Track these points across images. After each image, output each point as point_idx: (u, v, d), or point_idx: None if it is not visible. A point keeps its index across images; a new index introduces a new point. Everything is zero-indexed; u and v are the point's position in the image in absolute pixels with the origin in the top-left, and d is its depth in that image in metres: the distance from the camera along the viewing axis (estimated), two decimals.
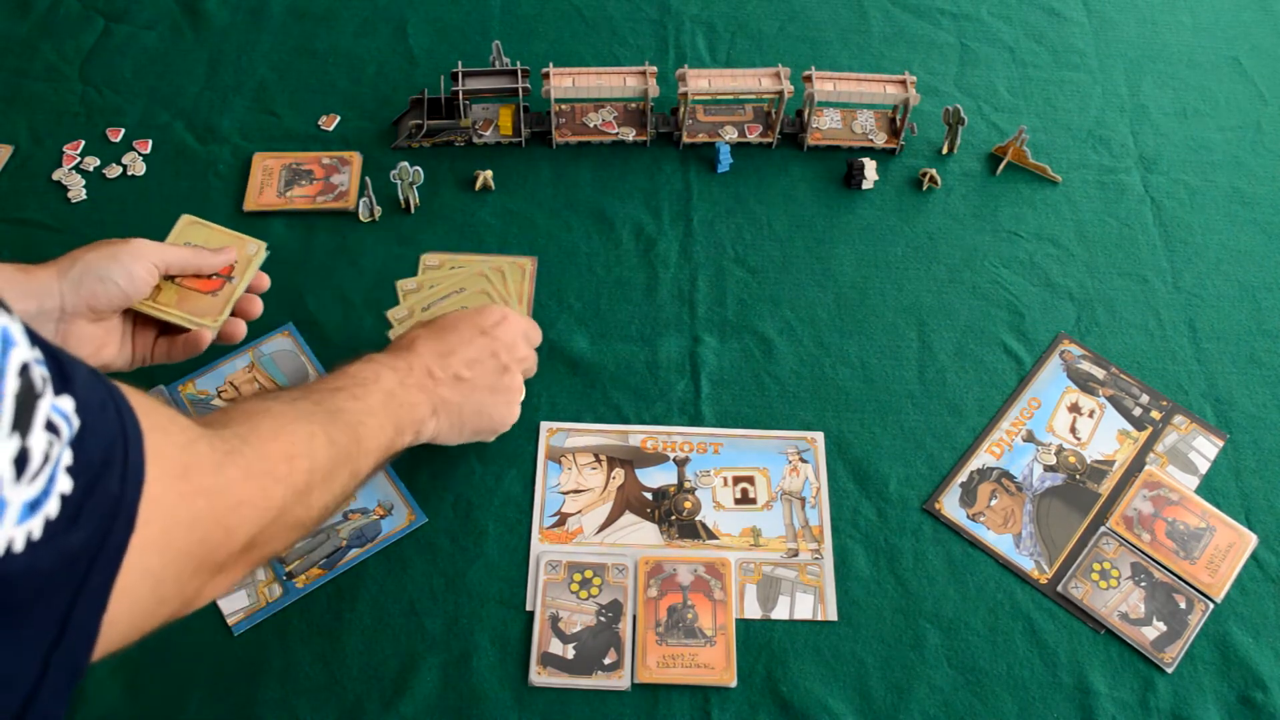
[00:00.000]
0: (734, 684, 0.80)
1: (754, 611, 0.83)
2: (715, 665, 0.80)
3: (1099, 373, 0.97)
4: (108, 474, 0.43)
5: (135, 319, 0.82)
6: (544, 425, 0.92)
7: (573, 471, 0.90)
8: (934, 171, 1.08)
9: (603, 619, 0.82)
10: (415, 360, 0.80)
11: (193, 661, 0.80)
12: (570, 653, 0.81)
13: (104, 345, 0.79)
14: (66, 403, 0.41)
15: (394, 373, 0.77)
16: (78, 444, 0.42)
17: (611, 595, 0.84)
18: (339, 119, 1.12)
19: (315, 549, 0.85)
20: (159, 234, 1.02)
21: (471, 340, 0.83)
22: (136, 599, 0.48)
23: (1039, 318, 1.00)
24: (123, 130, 1.10)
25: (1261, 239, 1.06)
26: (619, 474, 0.90)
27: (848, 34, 1.22)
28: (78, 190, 1.05)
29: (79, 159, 1.08)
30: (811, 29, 1.22)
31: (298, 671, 0.80)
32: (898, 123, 1.11)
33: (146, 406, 0.49)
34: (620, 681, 0.80)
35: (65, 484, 0.41)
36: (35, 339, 0.41)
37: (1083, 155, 1.12)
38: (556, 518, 0.88)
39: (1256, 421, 0.94)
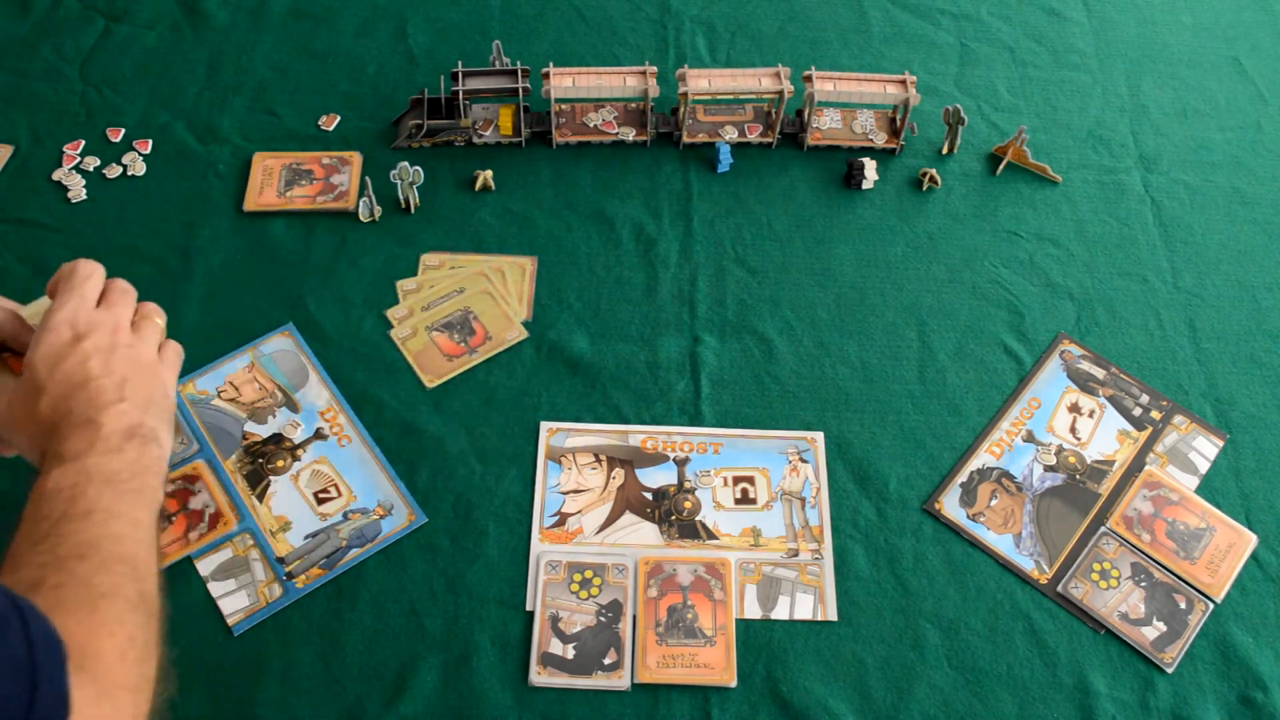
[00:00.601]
0: (734, 684, 0.80)
1: (754, 611, 0.83)
2: (715, 665, 0.80)
3: (1099, 373, 0.97)
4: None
5: None
6: (544, 425, 0.92)
7: (573, 471, 0.90)
8: (934, 171, 1.08)
9: (603, 619, 0.82)
10: (91, 418, 0.67)
11: (193, 661, 0.80)
12: (570, 653, 0.81)
13: None
14: None
15: (92, 451, 0.65)
16: None
17: (611, 595, 0.84)
18: (339, 119, 1.12)
19: (315, 549, 0.85)
20: (159, 233, 1.03)
21: (88, 361, 0.69)
22: None
23: (1039, 318, 1.00)
24: (123, 130, 1.10)
25: (1261, 239, 1.06)
26: (619, 474, 0.90)
27: (848, 34, 1.22)
28: (78, 190, 1.05)
29: (79, 159, 1.08)
30: (811, 29, 1.22)
31: (298, 671, 0.80)
32: (898, 123, 1.11)
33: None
34: (620, 681, 0.80)
35: None
36: None
37: (1083, 155, 1.12)
38: (556, 518, 0.88)
39: (1256, 421, 0.94)
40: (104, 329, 0.71)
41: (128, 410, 0.68)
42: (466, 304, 0.95)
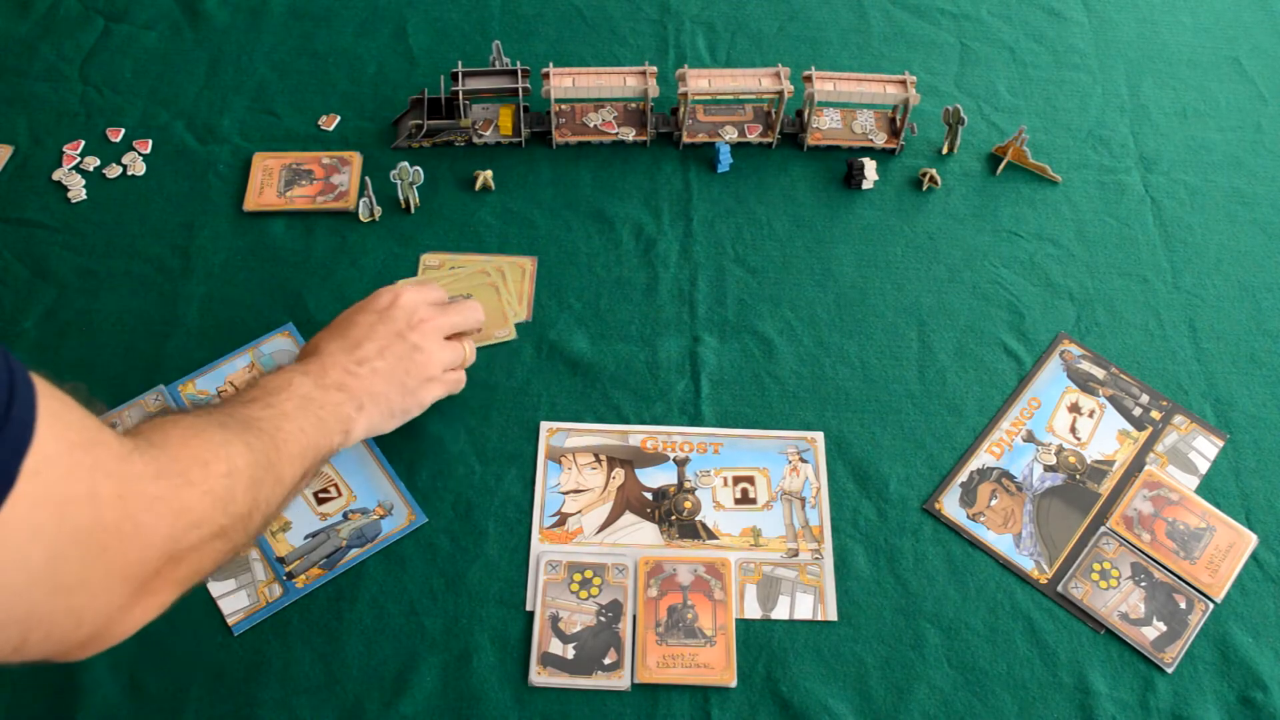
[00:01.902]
0: (734, 684, 0.80)
1: (754, 611, 0.83)
2: (715, 665, 0.80)
3: (1099, 373, 0.97)
4: None
5: None
6: (544, 425, 0.92)
7: (573, 471, 0.90)
8: (934, 171, 1.08)
9: (603, 619, 0.82)
10: (327, 361, 0.79)
11: (193, 661, 0.80)
12: (570, 653, 0.81)
13: None
14: None
15: (306, 377, 0.77)
16: None
17: (611, 595, 0.84)
18: (339, 119, 1.12)
19: (315, 549, 0.85)
20: (159, 233, 1.03)
21: (373, 328, 0.82)
22: (29, 567, 0.46)
23: (1039, 318, 1.00)
24: (123, 130, 1.10)
25: (1261, 239, 1.06)
26: (619, 474, 0.90)
27: (848, 34, 1.22)
28: (78, 190, 1.05)
29: (79, 159, 1.08)
30: (811, 29, 1.22)
31: (298, 671, 0.80)
32: (898, 123, 1.11)
33: (46, 383, 0.48)
34: (620, 681, 0.80)
35: None
36: None
37: (1083, 155, 1.12)
38: (556, 518, 0.88)
39: (1256, 421, 0.94)
40: (410, 318, 0.83)
41: (360, 374, 0.79)
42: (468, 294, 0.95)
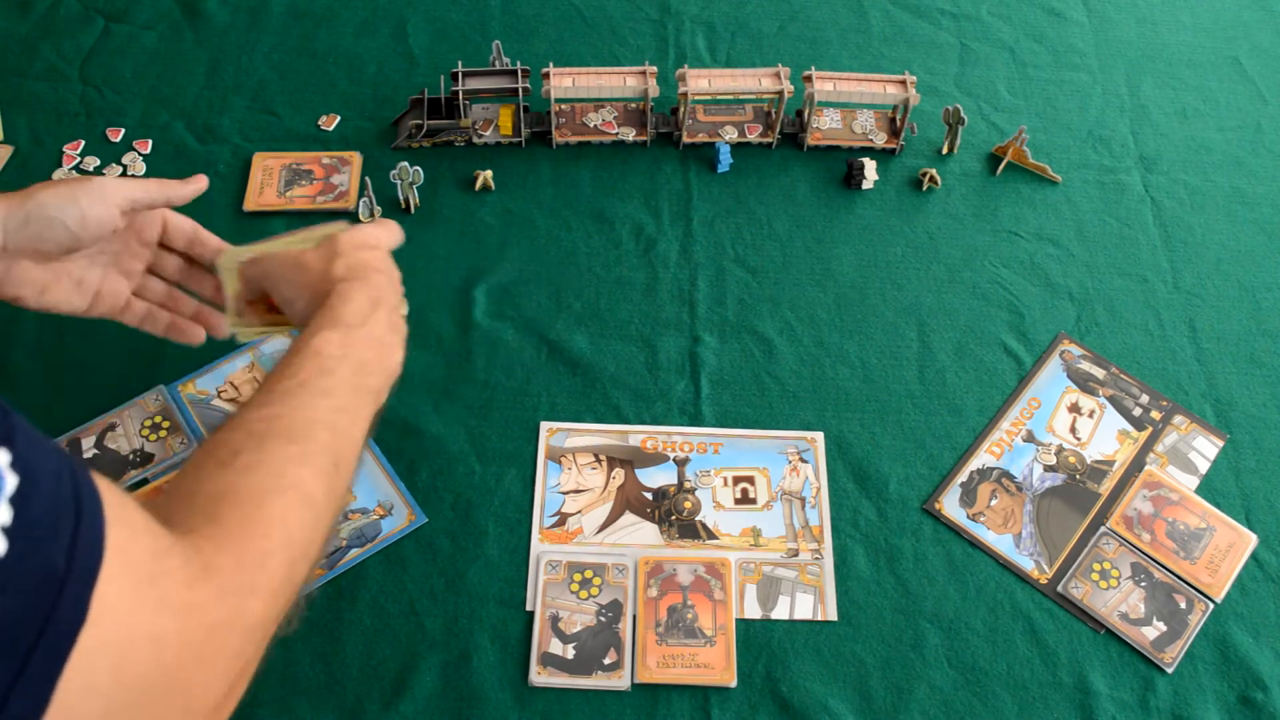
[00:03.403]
0: (734, 684, 0.80)
1: (754, 611, 0.83)
2: (715, 665, 0.80)
3: (1099, 373, 0.97)
4: (50, 546, 0.39)
5: (106, 265, 0.77)
6: (544, 425, 0.92)
7: (573, 471, 0.90)
8: (934, 171, 1.08)
9: (603, 619, 0.82)
10: (368, 291, 0.71)
11: None
12: (570, 653, 0.81)
13: (48, 288, 0.74)
14: (0, 456, 0.37)
15: (363, 327, 0.69)
16: (18, 503, 0.37)
17: (611, 595, 0.84)
18: (339, 119, 1.12)
19: None
20: None
21: (374, 262, 0.74)
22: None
23: (1039, 318, 1.00)
24: (123, 130, 1.10)
25: (1261, 239, 1.06)
26: (619, 474, 0.90)
27: (848, 34, 1.22)
28: None
29: (79, 159, 1.08)
30: (811, 29, 1.22)
31: (298, 671, 0.80)
32: (898, 123, 1.11)
33: (117, 500, 0.44)
34: (620, 681, 0.80)
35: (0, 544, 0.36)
36: None
37: (1083, 155, 1.12)
38: (556, 518, 0.88)
39: (1256, 421, 0.94)
40: (389, 261, 0.76)
41: (396, 307, 0.73)
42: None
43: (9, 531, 0.37)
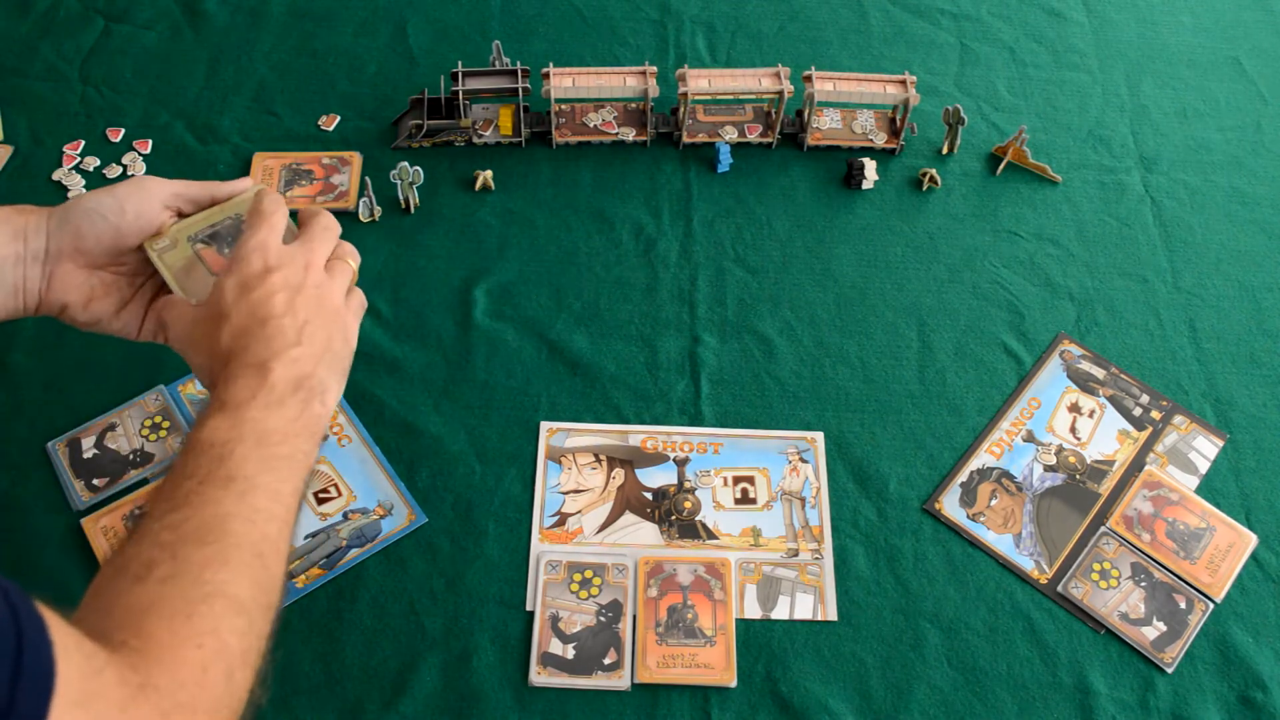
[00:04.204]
0: (734, 684, 0.80)
1: (754, 611, 0.83)
2: (715, 665, 0.80)
3: (1099, 373, 0.97)
4: None
5: (156, 288, 0.74)
6: (544, 425, 0.92)
7: (573, 471, 0.90)
8: (934, 171, 1.08)
9: (603, 619, 0.82)
10: (263, 361, 0.66)
11: None
12: (570, 653, 0.81)
13: (95, 298, 0.71)
14: None
15: (253, 402, 0.64)
16: None
17: (611, 595, 0.84)
18: (339, 119, 1.12)
19: (315, 549, 0.85)
20: None
21: (272, 298, 0.67)
22: None
23: (1039, 318, 1.00)
24: (123, 130, 1.10)
25: (1261, 239, 1.06)
26: (619, 474, 0.90)
27: (848, 34, 1.22)
28: (78, 190, 1.05)
29: (79, 159, 1.08)
30: (811, 29, 1.22)
31: (298, 671, 0.80)
32: (898, 123, 1.11)
33: (55, 621, 0.43)
34: (620, 681, 0.80)
35: None
36: None
37: (1083, 155, 1.12)
38: (556, 518, 0.88)
39: (1256, 421, 0.94)
40: (295, 264, 0.69)
41: (301, 357, 0.66)
42: (238, 210, 0.76)
43: None
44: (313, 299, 0.69)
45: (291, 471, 0.64)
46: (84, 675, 0.45)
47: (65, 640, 0.45)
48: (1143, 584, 0.85)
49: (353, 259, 0.75)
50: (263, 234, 0.70)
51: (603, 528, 0.87)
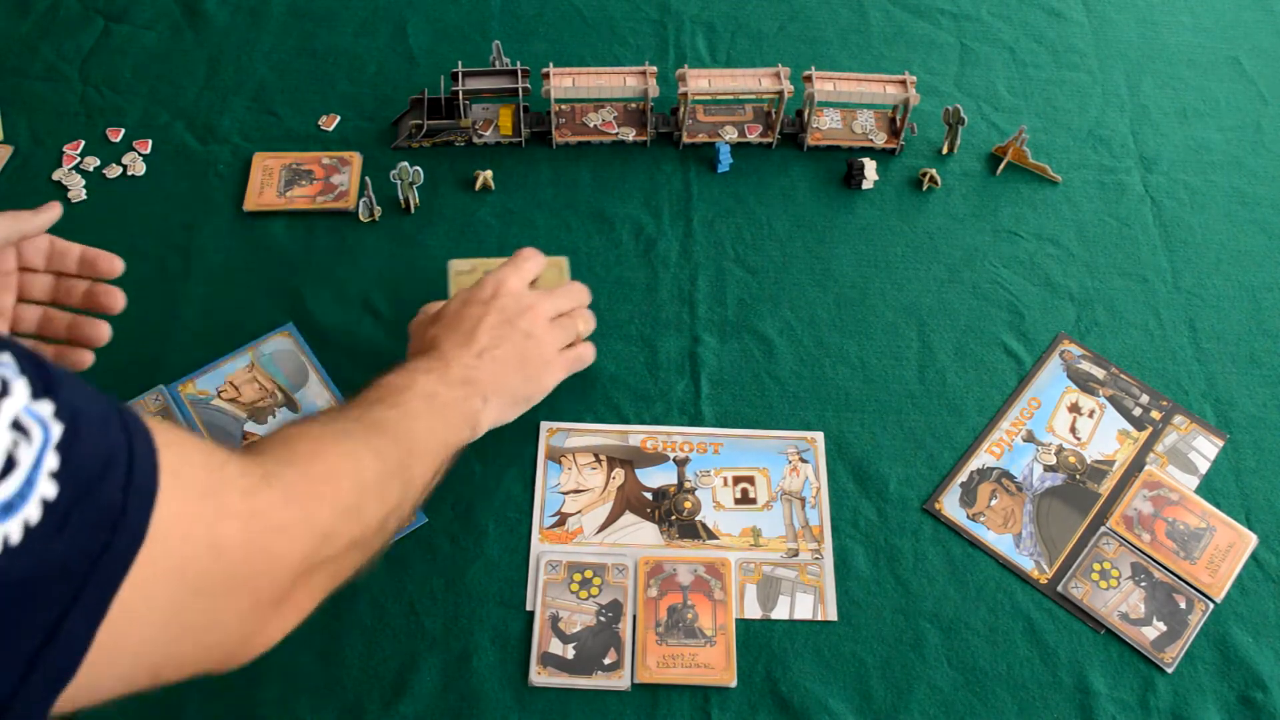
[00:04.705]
0: (734, 684, 0.80)
1: (754, 611, 0.83)
2: (715, 665, 0.80)
3: (1099, 373, 0.97)
4: (106, 484, 0.42)
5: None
6: (544, 425, 0.92)
7: (573, 471, 0.90)
8: (934, 171, 1.08)
9: (603, 619, 0.82)
10: (448, 356, 0.80)
11: None
12: (570, 653, 0.81)
13: None
14: (43, 406, 0.40)
15: (429, 374, 0.77)
16: (65, 449, 0.40)
17: (611, 595, 0.84)
18: (339, 119, 1.12)
19: None
20: (159, 233, 1.03)
21: (483, 319, 0.83)
22: (148, 625, 0.46)
23: (1039, 318, 1.00)
24: (123, 130, 1.10)
25: (1261, 239, 1.06)
26: (619, 474, 0.90)
27: (848, 34, 1.22)
28: (78, 190, 1.05)
29: (79, 159, 1.08)
30: (811, 29, 1.22)
31: (298, 671, 0.80)
32: (898, 123, 1.11)
33: (166, 429, 0.47)
34: (620, 681, 0.80)
35: (49, 489, 0.39)
36: (7, 346, 0.40)
37: (1083, 155, 1.12)
38: (556, 518, 0.88)
39: (1256, 421, 0.94)
40: (518, 304, 0.84)
41: (478, 370, 0.80)
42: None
43: (58, 476, 0.39)
44: (516, 336, 0.83)
45: (446, 429, 0.75)
46: (209, 469, 0.50)
47: (186, 444, 0.49)
48: (1143, 584, 0.85)
49: (584, 323, 0.90)
50: (506, 272, 0.87)
51: (603, 528, 0.87)
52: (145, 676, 0.49)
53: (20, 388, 0.39)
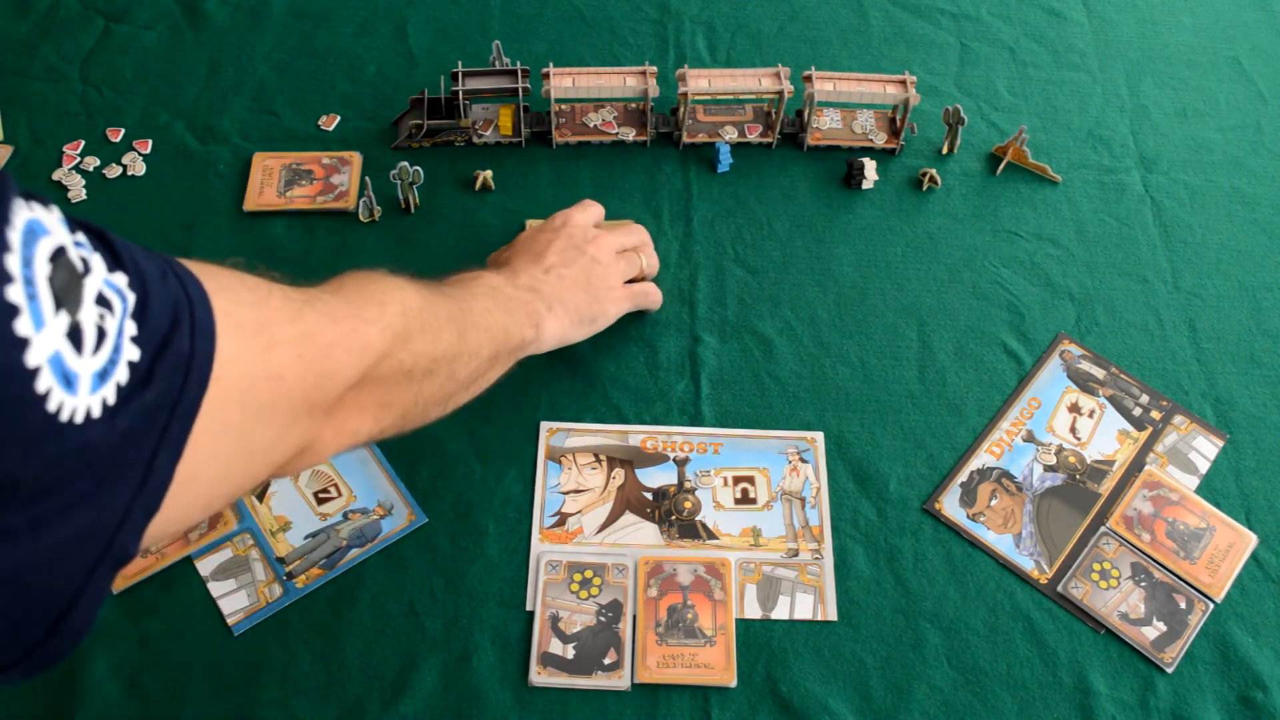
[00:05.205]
0: (734, 684, 0.80)
1: (754, 611, 0.83)
2: (715, 665, 0.80)
3: (1099, 373, 0.97)
4: (176, 336, 0.46)
5: None
6: (544, 425, 0.92)
7: (573, 471, 0.90)
8: (934, 171, 1.08)
9: (603, 619, 0.82)
10: (517, 266, 0.86)
11: (193, 661, 0.80)
12: (570, 653, 0.81)
13: None
14: (119, 278, 0.43)
15: (498, 275, 0.83)
16: (140, 314, 0.44)
17: (611, 595, 0.84)
18: (339, 119, 1.12)
19: (315, 549, 0.85)
20: (159, 233, 1.03)
21: (552, 243, 0.88)
22: (220, 453, 0.50)
23: (1039, 318, 1.00)
24: (123, 130, 1.10)
25: (1261, 239, 1.06)
26: (619, 474, 0.90)
27: (848, 34, 1.22)
28: (78, 190, 1.05)
29: (79, 159, 1.08)
30: (811, 29, 1.22)
31: (298, 671, 0.80)
32: (898, 123, 1.11)
33: (210, 271, 0.51)
34: (620, 681, 0.80)
35: (132, 352, 0.43)
36: (78, 225, 0.43)
37: (1083, 155, 1.12)
38: (556, 518, 0.88)
39: (1256, 421, 0.94)
40: (585, 235, 0.90)
41: (543, 282, 0.85)
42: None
43: (137, 340, 0.44)
44: (583, 260, 0.88)
45: (507, 316, 0.79)
46: (250, 306, 0.53)
47: (230, 283, 0.53)
48: (1143, 584, 0.85)
49: (648, 261, 0.96)
50: (574, 209, 0.94)
51: (603, 528, 0.87)
52: (221, 499, 0.54)
53: (98, 263, 0.42)
